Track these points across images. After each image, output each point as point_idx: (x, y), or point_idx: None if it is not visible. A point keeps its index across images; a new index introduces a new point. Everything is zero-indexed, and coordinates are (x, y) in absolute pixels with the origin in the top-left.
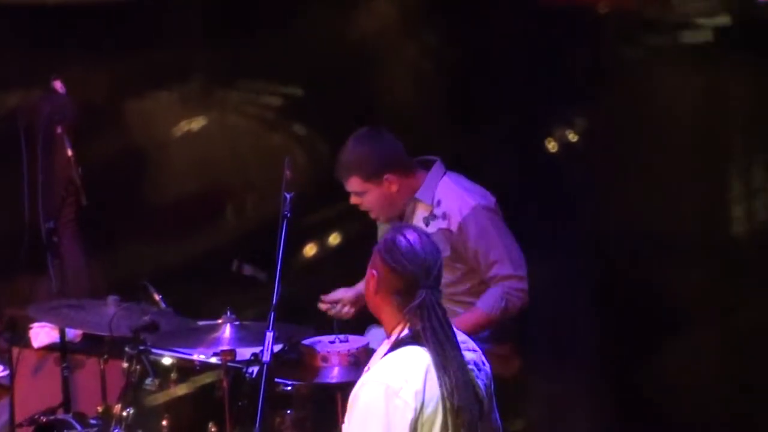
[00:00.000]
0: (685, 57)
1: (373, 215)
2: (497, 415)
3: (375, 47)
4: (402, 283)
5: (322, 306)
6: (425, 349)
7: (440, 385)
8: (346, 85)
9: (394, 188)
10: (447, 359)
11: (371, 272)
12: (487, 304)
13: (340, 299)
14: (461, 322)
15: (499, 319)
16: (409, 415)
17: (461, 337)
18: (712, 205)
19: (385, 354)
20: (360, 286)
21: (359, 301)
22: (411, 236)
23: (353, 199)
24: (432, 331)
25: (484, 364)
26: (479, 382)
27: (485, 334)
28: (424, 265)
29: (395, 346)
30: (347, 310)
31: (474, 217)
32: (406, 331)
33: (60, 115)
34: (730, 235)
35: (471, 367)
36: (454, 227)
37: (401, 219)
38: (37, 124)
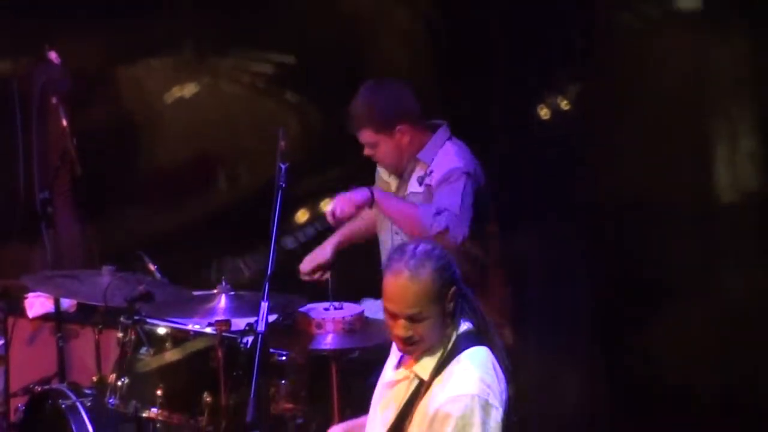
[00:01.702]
0: (678, 23)
1: (381, 165)
2: None
3: (367, 14)
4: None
5: (304, 278)
6: (483, 346)
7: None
8: (339, 52)
9: (406, 140)
10: (496, 346)
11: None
12: (425, 210)
13: (317, 265)
14: (392, 204)
15: (422, 228)
16: (500, 417)
17: None
18: (702, 174)
19: (446, 360)
20: (331, 240)
21: (335, 256)
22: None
23: (366, 151)
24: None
25: None
26: None
27: None
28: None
29: (459, 344)
30: (328, 276)
31: (451, 175)
32: (459, 330)
33: (55, 86)
34: (720, 203)
35: None
36: (434, 182)
37: (401, 178)
38: (31, 95)
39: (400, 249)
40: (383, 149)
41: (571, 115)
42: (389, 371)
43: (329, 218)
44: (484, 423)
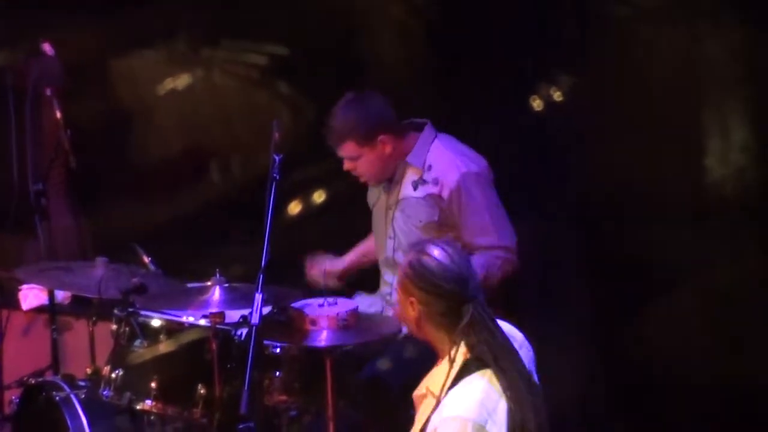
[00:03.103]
0: (671, 15)
1: (364, 179)
2: None
3: (361, 6)
4: (444, 305)
5: (313, 276)
6: (494, 371)
7: (512, 410)
8: (333, 43)
9: (388, 149)
10: (509, 380)
11: (408, 300)
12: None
13: (327, 272)
14: None
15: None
16: None
17: (516, 338)
18: (697, 165)
19: (453, 381)
20: (349, 258)
21: (346, 273)
22: (436, 252)
23: (347, 165)
24: (488, 346)
25: (532, 361)
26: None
27: None
28: (460, 278)
29: (462, 372)
30: (334, 284)
31: (464, 184)
32: (469, 354)
33: (49, 78)
34: (715, 195)
35: (529, 366)
36: (444, 193)
37: (390, 182)
38: (25, 87)
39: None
40: (365, 161)
41: (564, 107)
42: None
43: None
44: None
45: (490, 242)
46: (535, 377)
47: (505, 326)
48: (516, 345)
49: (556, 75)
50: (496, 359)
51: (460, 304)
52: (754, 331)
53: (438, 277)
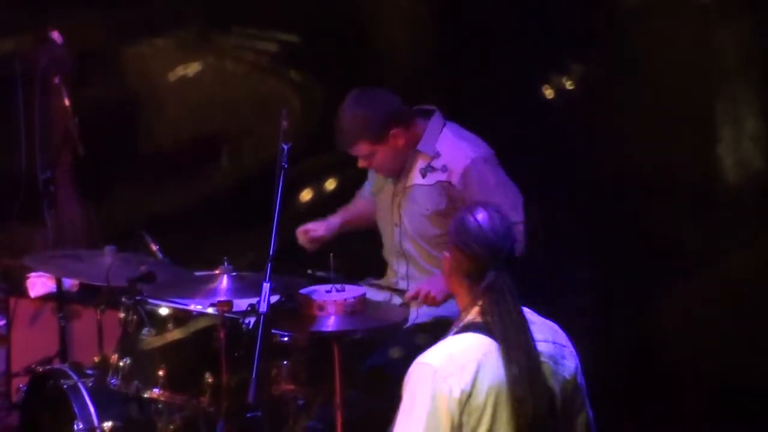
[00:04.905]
0: (682, 3)
1: (380, 173)
2: (587, 416)
3: None
4: (472, 265)
5: (301, 238)
6: (491, 338)
7: (504, 374)
8: (342, 31)
9: (401, 142)
10: (511, 347)
11: (444, 254)
12: None
13: (320, 237)
14: None
15: None
16: (453, 404)
17: (545, 332)
18: (707, 153)
19: (452, 334)
20: (336, 218)
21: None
22: (480, 216)
23: (361, 163)
24: (499, 316)
25: (564, 358)
26: (555, 378)
27: None
28: (494, 246)
29: (463, 329)
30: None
31: (474, 169)
32: (477, 318)
33: (57, 66)
34: (724, 183)
35: (545, 359)
36: (454, 179)
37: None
38: (34, 74)
39: None
40: (380, 158)
41: (574, 95)
42: None
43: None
44: (434, 399)
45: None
46: (582, 381)
47: (546, 321)
48: (541, 346)
49: (565, 63)
50: (505, 332)
51: (486, 269)
52: (765, 321)
53: (472, 237)
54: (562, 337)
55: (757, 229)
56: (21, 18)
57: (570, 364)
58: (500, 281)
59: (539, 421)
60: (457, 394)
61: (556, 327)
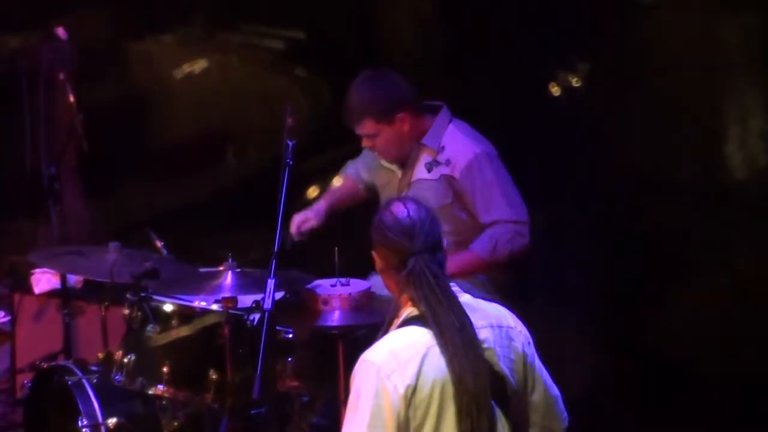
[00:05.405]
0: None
1: (383, 157)
2: (545, 393)
3: None
4: (395, 257)
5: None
6: (428, 330)
7: (446, 366)
8: (348, 28)
9: (406, 127)
10: (442, 327)
11: (372, 253)
12: (478, 246)
13: (310, 228)
14: (451, 264)
15: (490, 262)
16: (397, 400)
17: (489, 317)
18: (712, 151)
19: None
20: (322, 204)
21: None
22: (395, 207)
23: (365, 142)
24: (424, 299)
25: (513, 340)
26: (503, 362)
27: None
28: (410, 232)
29: (405, 323)
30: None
31: (477, 164)
32: (413, 311)
33: (62, 62)
34: (729, 181)
35: (489, 345)
36: (457, 174)
37: (404, 165)
38: (38, 71)
39: None
40: (384, 139)
41: (581, 92)
42: None
43: None
44: (377, 396)
45: (501, 216)
46: (532, 359)
47: (490, 306)
48: (481, 333)
49: (573, 60)
50: (436, 316)
51: (407, 257)
52: None
53: (388, 229)
54: (508, 319)
55: (765, 227)
56: (26, 14)
57: (518, 345)
58: (420, 265)
59: (486, 406)
60: (401, 390)
61: (503, 310)
